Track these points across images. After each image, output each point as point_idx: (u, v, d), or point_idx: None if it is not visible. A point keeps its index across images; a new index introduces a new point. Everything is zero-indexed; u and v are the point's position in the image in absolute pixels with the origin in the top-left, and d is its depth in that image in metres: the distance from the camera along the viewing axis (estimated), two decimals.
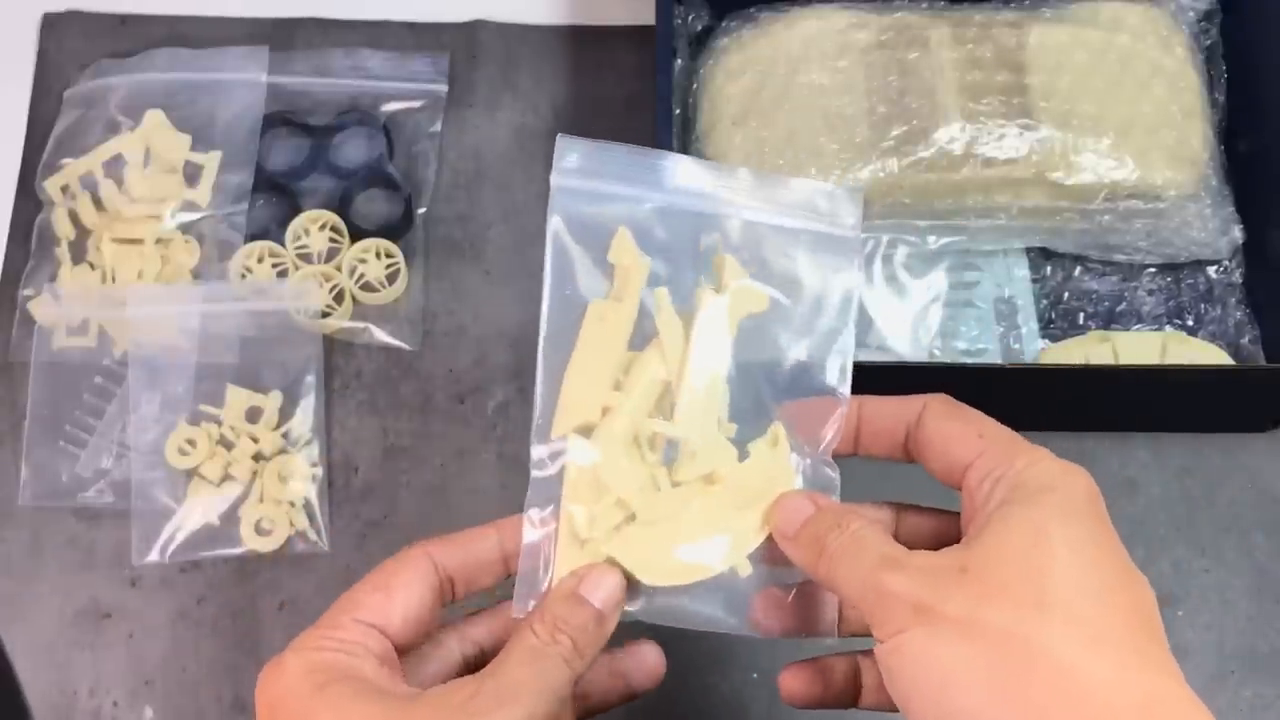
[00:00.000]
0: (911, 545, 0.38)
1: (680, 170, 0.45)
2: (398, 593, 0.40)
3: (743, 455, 0.45)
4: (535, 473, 0.43)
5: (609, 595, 0.40)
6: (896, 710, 0.39)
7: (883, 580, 0.36)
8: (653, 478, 0.44)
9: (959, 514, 0.40)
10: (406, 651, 0.41)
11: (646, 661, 0.44)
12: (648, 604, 0.43)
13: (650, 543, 0.43)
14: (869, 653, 0.41)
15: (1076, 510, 0.37)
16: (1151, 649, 0.35)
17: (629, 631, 0.43)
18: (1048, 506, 0.36)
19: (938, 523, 0.43)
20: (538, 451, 0.43)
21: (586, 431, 0.44)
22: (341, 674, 0.37)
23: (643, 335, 0.45)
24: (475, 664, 0.43)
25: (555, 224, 0.43)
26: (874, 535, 0.38)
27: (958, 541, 0.38)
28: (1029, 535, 0.36)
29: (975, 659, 0.34)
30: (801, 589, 0.43)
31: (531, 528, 0.42)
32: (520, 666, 0.38)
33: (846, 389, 0.45)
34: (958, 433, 0.40)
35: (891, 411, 0.42)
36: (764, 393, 0.46)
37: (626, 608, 0.42)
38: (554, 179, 0.43)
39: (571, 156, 0.44)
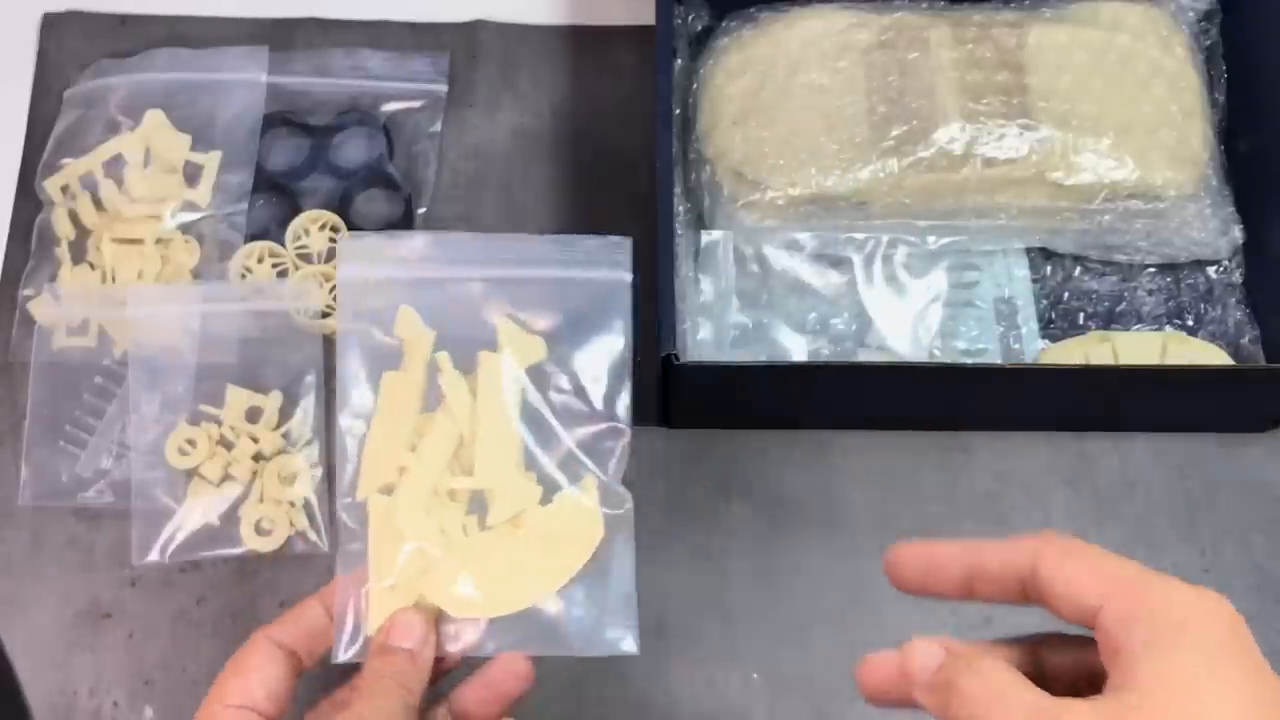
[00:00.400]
0: (1053, 676, 0.39)
1: (448, 243, 0.53)
2: (253, 674, 0.47)
3: (549, 497, 0.51)
4: (344, 543, 0.50)
5: (417, 636, 0.48)
6: None
7: None
8: (461, 526, 0.50)
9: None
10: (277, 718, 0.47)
11: (514, 669, 0.49)
12: (482, 639, 0.50)
13: (459, 582, 0.49)
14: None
15: (1221, 645, 0.36)
16: None
17: None
18: (1191, 647, 0.35)
19: (1078, 653, 0.41)
20: (345, 516, 0.50)
21: (389, 491, 0.51)
22: None
23: (437, 398, 0.52)
24: None
25: (343, 311, 0.51)
26: (1013, 680, 0.37)
27: (1099, 670, 0.38)
28: (1178, 684, 0.35)
29: None
30: None
31: (345, 587, 0.50)
32: (364, 700, 0.46)
33: (627, 416, 0.52)
34: (1081, 576, 0.39)
35: (1001, 559, 0.40)
36: (558, 431, 0.51)
37: (452, 648, 0.49)
38: (340, 271, 0.50)
39: (354, 248, 0.52)
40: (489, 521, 0.50)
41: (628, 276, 0.54)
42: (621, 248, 0.54)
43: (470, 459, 0.51)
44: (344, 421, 0.51)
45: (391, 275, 0.52)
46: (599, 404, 0.52)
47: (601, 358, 0.53)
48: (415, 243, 0.53)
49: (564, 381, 0.52)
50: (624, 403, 0.52)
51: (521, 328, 0.53)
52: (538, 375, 0.52)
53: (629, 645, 0.50)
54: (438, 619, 0.49)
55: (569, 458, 0.52)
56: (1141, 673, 0.35)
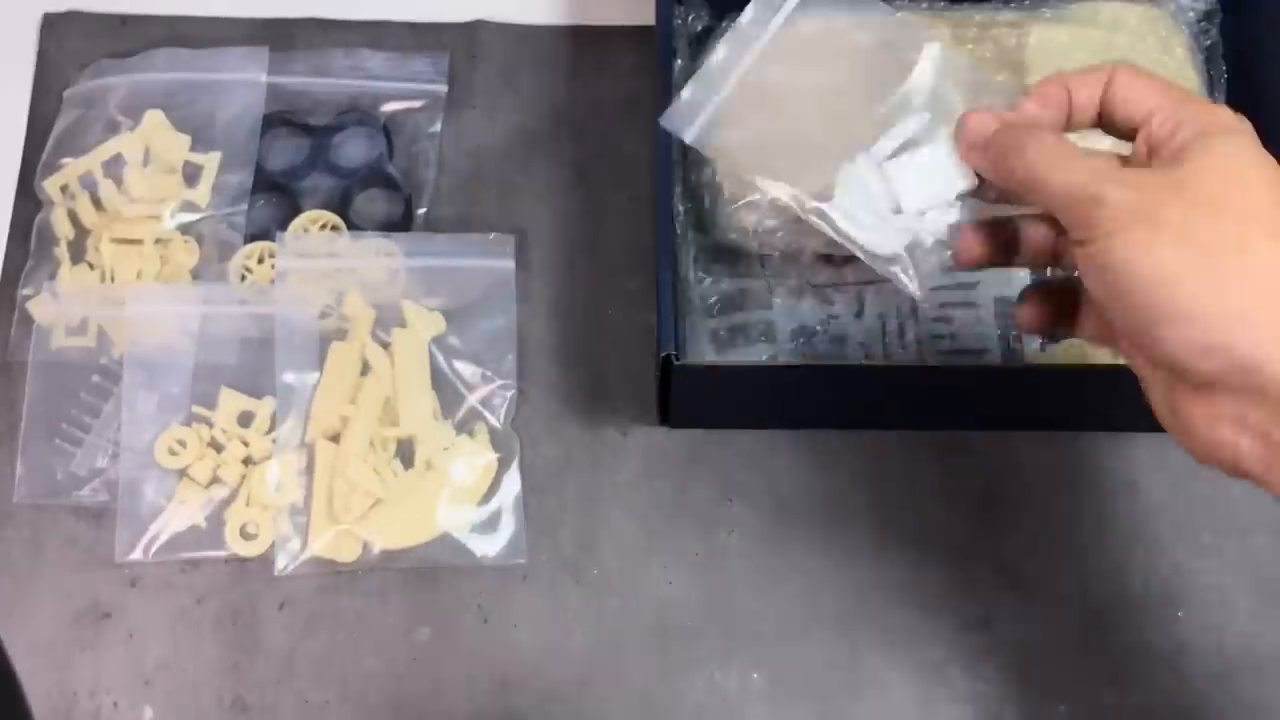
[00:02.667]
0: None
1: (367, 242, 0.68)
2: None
3: (452, 443, 0.65)
4: None
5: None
6: (1053, 264, 0.51)
7: (1101, 188, 0.42)
8: (391, 470, 0.64)
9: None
10: None
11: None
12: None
13: (390, 518, 0.63)
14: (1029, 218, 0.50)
15: (1257, 149, 0.43)
16: None
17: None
18: (1242, 143, 0.42)
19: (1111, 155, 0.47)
20: None
21: (332, 437, 0.65)
22: None
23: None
24: None
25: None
26: (1073, 146, 0.44)
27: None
28: (1234, 160, 0.42)
29: (1193, 254, 0.40)
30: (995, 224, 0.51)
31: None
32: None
33: (513, 375, 0.67)
34: (1147, 86, 0.46)
35: (1082, 79, 0.47)
36: (460, 389, 0.66)
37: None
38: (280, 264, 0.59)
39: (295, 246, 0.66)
40: (415, 464, 0.64)
41: (511, 264, 0.69)
42: (507, 243, 0.69)
43: (395, 414, 0.65)
44: (289, 378, 0.65)
45: (324, 266, 0.67)
46: (491, 366, 0.67)
47: (492, 329, 0.68)
48: (342, 242, 0.68)
49: (462, 349, 0.67)
50: (510, 364, 0.67)
51: (424, 307, 0.67)
52: (442, 344, 0.67)
53: (518, 557, 0.63)
54: None
55: (470, 411, 0.66)
56: (1198, 153, 0.42)
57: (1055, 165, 0.44)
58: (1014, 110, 0.48)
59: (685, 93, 0.55)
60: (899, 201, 0.52)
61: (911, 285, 0.51)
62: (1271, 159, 0.42)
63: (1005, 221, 0.50)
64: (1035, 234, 0.50)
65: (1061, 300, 0.51)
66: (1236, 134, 0.43)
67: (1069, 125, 0.48)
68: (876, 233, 0.52)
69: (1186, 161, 0.42)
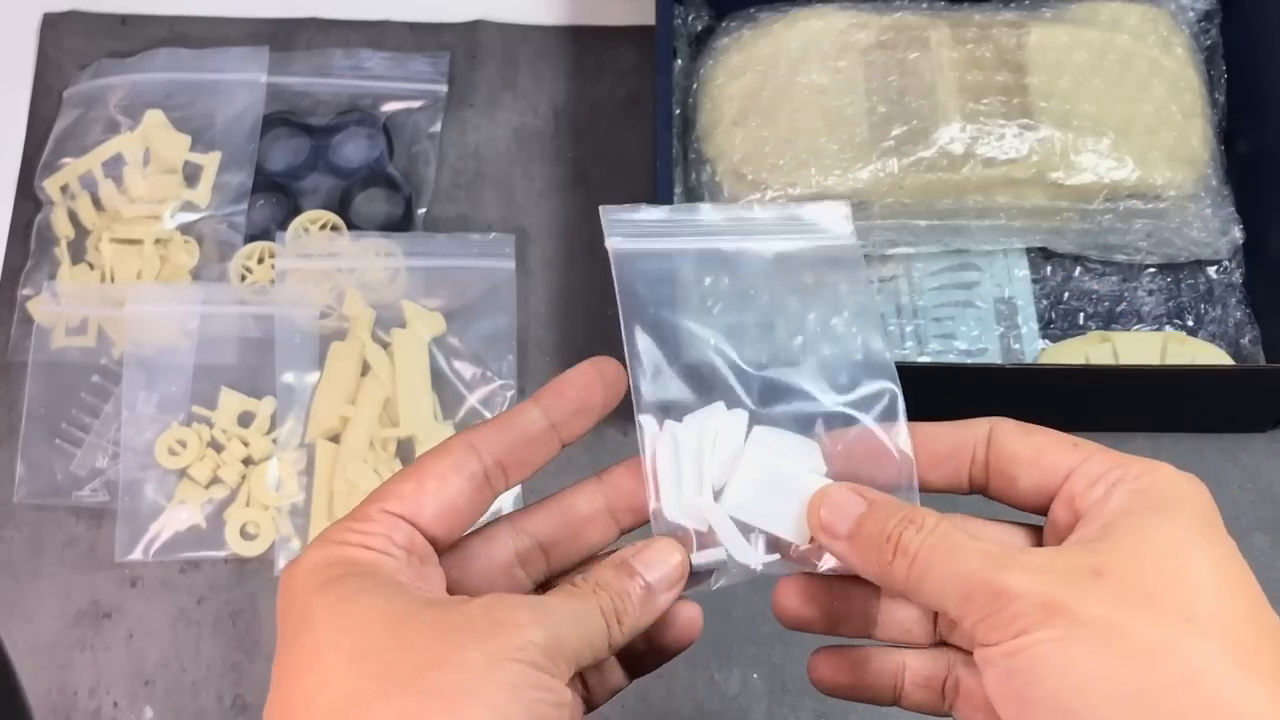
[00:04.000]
0: None
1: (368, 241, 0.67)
2: (429, 481, 0.36)
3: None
4: None
5: (664, 573, 0.37)
6: (943, 715, 0.38)
7: (998, 579, 0.33)
8: (391, 470, 0.63)
9: (1036, 527, 0.38)
10: (446, 546, 0.37)
11: (682, 617, 0.40)
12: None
13: None
14: (916, 648, 0.39)
15: (1209, 526, 0.34)
16: None
17: None
18: (1183, 519, 0.34)
19: (1013, 536, 0.39)
20: None
21: (332, 437, 0.64)
22: (355, 569, 0.34)
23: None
24: (528, 559, 0.39)
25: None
26: (962, 533, 0.35)
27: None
28: (1169, 546, 0.33)
29: (1121, 671, 0.31)
30: (835, 583, 0.39)
31: None
32: (555, 598, 0.35)
33: (513, 374, 0.66)
34: (1048, 444, 0.37)
35: (951, 437, 0.39)
36: (459, 388, 0.66)
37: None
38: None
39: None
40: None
41: (511, 265, 0.68)
42: (507, 243, 0.69)
43: (395, 414, 0.65)
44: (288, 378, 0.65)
45: (324, 266, 0.67)
46: (491, 366, 0.67)
47: (492, 329, 0.67)
48: (342, 242, 0.68)
49: (462, 349, 0.67)
50: (510, 364, 0.67)
51: (424, 307, 0.67)
52: (442, 344, 0.67)
53: None
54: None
55: (470, 411, 0.66)
56: (1125, 532, 0.34)
57: (938, 553, 0.35)
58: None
59: (642, 213, 0.42)
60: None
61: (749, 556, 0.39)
62: (1223, 539, 0.34)
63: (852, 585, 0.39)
64: (901, 612, 0.40)
65: (880, 668, 0.40)
66: (1174, 508, 0.34)
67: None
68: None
69: (1112, 539, 0.34)
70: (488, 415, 0.66)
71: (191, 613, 0.63)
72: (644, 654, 0.40)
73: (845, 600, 0.39)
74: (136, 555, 0.63)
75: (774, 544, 0.39)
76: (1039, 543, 0.38)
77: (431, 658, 0.32)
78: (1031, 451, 0.37)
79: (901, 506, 0.37)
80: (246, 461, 0.65)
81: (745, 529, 0.39)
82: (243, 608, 0.63)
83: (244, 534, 0.64)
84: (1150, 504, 0.34)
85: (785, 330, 0.43)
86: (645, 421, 0.39)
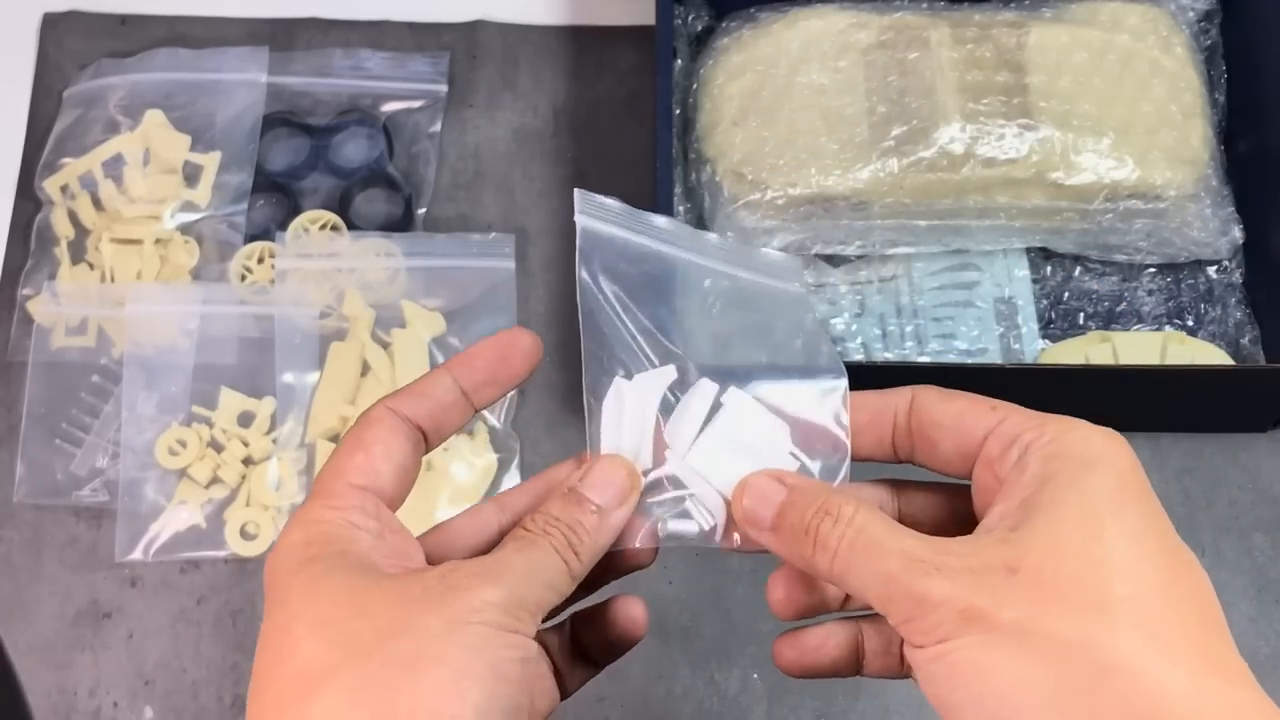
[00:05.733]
0: (917, 528, 0.35)
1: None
2: (375, 448, 0.38)
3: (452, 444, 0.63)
4: None
5: (613, 491, 0.38)
6: (902, 677, 0.38)
7: (918, 586, 0.33)
8: None
9: (967, 488, 0.38)
10: (396, 507, 0.39)
11: (623, 615, 0.41)
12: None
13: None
14: (871, 618, 0.39)
15: (1126, 489, 0.34)
16: (1221, 650, 0.32)
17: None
18: (1097, 488, 0.33)
19: (944, 499, 0.39)
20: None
21: (332, 437, 0.64)
22: (331, 548, 0.35)
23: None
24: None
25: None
26: (881, 526, 0.35)
27: (970, 519, 0.36)
28: (1083, 526, 0.33)
29: (1038, 672, 0.31)
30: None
31: None
32: (510, 553, 0.36)
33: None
34: (967, 408, 0.37)
35: (874, 404, 0.39)
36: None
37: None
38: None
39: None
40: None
41: (511, 265, 0.69)
42: (507, 243, 0.69)
43: None
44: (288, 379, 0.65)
45: (324, 266, 0.67)
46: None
47: (492, 329, 0.67)
48: (342, 242, 0.68)
49: (462, 349, 0.62)
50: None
51: (424, 307, 0.67)
52: (442, 344, 0.67)
53: None
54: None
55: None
56: (1041, 515, 0.33)
57: (856, 550, 0.34)
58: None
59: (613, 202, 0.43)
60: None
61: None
62: (1139, 501, 0.33)
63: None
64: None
65: (838, 642, 0.40)
66: (1088, 475, 0.33)
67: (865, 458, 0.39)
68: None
69: (1028, 523, 0.33)
70: (488, 415, 0.66)
71: (191, 613, 0.63)
72: (598, 647, 0.41)
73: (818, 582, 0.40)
74: (136, 555, 0.63)
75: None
76: (968, 505, 0.38)
77: (391, 625, 0.33)
78: (951, 416, 0.37)
79: (819, 494, 0.36)
80: (246, 461, 0.65)
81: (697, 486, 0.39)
82: (243, 608, 0.63)
83: (244, 534, 0.64)
84: (1064, 470, 0.34)
85: (741, 343, 0.43)
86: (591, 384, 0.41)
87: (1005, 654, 0.32)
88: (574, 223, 0.72)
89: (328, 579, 0.34)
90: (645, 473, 0.39)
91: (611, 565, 0.39)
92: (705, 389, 0.40)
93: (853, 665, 0.40)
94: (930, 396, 0.38)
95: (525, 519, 0.37)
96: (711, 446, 0.39)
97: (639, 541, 0.39)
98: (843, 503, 0.35)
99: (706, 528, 0.39)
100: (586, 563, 0.37)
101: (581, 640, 0.41)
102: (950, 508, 0.39)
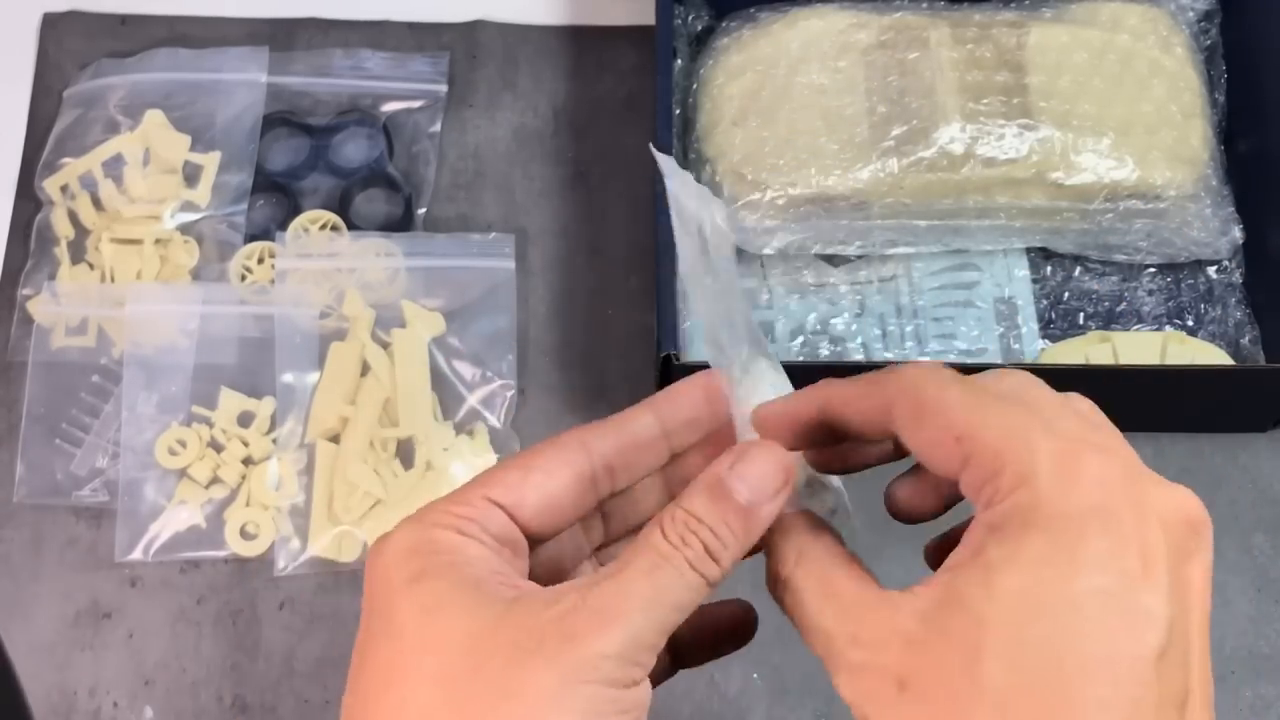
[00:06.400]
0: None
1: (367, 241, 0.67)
2: (535, 473, 0.35)
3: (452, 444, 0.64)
4: None
5: (761, 485, 0.34)
6: None
7: (832, 674, 0.32)
8: (391, 470, 0.64)
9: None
10: (544, 541, 0.36)
11: (742, 616, 0.40)
12: None
13: (390, 519, 0.54)
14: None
15: (1039, 588, 0.29)
16: None
17: None
18: (1001, 593, 0.29)
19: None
20: None
21: (332, 437, 0.64)
22: (442, 561, 0.33)
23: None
24: (600, 479, 0.37)
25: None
26: (811, 596, 0.33)
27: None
28: (967, 645, 0.29)
29: None
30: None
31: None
32: (636, 577, 0.33)
33: (513, 374, 0.66)
34: (932, 442, 0.32)
35: (858, 413, 0.35)
36: (459, 389, 0.66)
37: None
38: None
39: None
40: (415, 465, 0.64)
41: (511, 265, 0.68)
42: (507, 243, 0.69)
43: (395, 414, 0.65)
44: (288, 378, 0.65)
45: (324, 266, 0.67)
46: (491, 366, 0.67)
47: (492, 329, 0.67)
48: (342, 242, 0.68)
49: (462, 349, 0.67)
50: (510, 364, 0.67)
51: (424, 307, 0.67)
52: (442, 344, 0.67)
53: None
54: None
55: (470, 411, 0.66)
56: (949, 602, 0.30)
57: (800, 610, 0.33)
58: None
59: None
60: None
61: None
62: (1057, 600, 0.28)
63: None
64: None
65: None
66: (1021, 548, 0.29)
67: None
68: None
69: (932, 621, 0.30)
70: (488, 415, 0.66)
71: (191, 613, 0.63)
72: (697, 647, 0.39)
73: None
74: (136, 555, 0.63)
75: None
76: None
77: (505, 685, 0.32)
78: (924, 453, 0.33)
79: (769, 518, 0.34)
80: (246, 461, 0.65)
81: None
82: (243, 608, 0.63)
83: (244, 534, 0.64)
84: (988, 552, 0.30)
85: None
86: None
87: None
88: (574, 223, 0.72)
89: (443, 612, 0.33)
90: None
91: (712, 644, 0.39)
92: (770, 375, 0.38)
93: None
94: (903, 415, 0.33)
95: (663, 521, 0.34)
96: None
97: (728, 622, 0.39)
98: (784, 557, 0.34)
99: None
100: (726, 570, 0.34)
101: (676, 638, 0.36)
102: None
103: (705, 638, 0.39)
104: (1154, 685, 0.28)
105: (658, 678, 0.36)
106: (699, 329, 0.43)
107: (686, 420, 0.38)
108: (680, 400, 0.38)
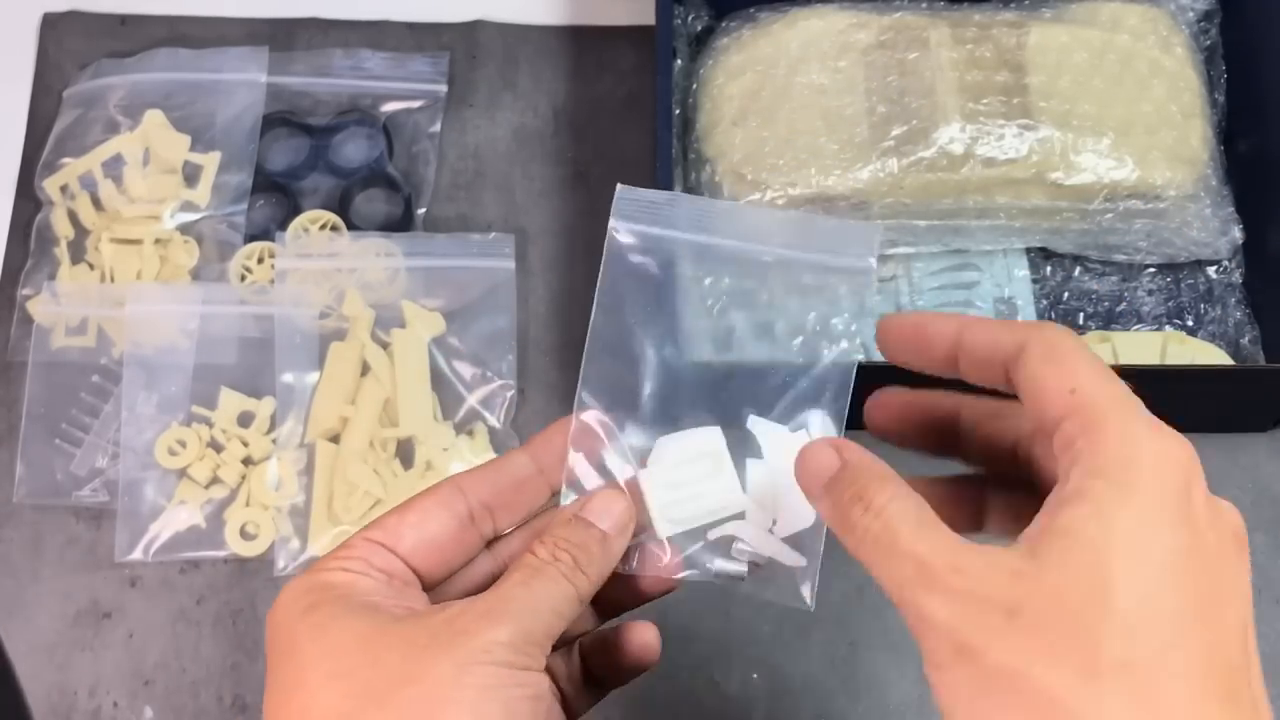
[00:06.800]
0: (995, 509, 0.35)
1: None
2: (411, 514, 0.39)
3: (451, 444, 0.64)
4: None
5: (615, 519, 0.39)
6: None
7: (922, 603, 0.32)
8: (391, 470, 0.64)
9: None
10: (434, 583, 0.39)
11: (636, 641, 0.41)
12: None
13: None
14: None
15: (1157, 524, 0.31)
16: (1219, 716, 0.30)
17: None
18: (1121, 525, 0.31)
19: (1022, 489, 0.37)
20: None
21: (332, 437, 0.64)
22: (334, 594, 0.36)
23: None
24: (480, 518, 0.40)
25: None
26: (909, 522, 0.33)
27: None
28: (1093, 571, 0.31)
29: None
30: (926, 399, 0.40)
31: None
32: (515, 586, 0.36)
33: (513, 374, 0.66)
34: (1050, 384, 0.34)
35: (989, 341, 0.36)
36: (459, 389, 0.66)
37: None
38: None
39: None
40: (415, 464, 0.64)
41: (511, 265, 0.68)
42: (507, 243, 0.69)
43: (395, 414, 0.65)
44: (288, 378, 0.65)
45: (324, 266, 0.67)
46: (491, 366, 0.67)
47: (492, 329, 0.67)
48: (342, 242, 0.68)
49: (462, 349, 0.67)
50: (510, 364, 0.67)
51: (424, 308, 0.67)
52: (442, 344, 0.67)
53: None
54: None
55: (470, 411, 0.66)
56: (1058, 541, 0.31)
57: (878, 546, 0.34)
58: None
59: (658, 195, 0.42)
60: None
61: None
62: (1167, 534, 0.31)
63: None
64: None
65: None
66: (1120, 500, 0.31)
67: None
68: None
69: (1040, 557, 0.31)
70: (488, 415, 0.66)
71: (191, 613, 0.63)
72: (608, 671, 0.41)
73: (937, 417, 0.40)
74: (136, 555, 0.63)
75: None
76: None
77: (405, 673, 0.34)
78: (1033, 392, 0.35)
79: (861, 476, 0.36)
80: (246, 461, 0.65)
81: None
82: (243, 608, 0.63)
83: (244, 534, 0.64)
84: (1096, 494, 0.31)
85: (785, 330, 0.43)
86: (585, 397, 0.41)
87: (993, 700, 0.31)
88: (574, 223, 0.72)
89: (334, 625, 0.35)
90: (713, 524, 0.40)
91: (634, 591, 0.40)
92: (711, 435, 0.41)
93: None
94: (1035, 353, 0.35)
95: (534, 545, 0.38)
96: (762, 479, 0.40)
97: (665, 571, 0.40)
98: (878, 491, 0.35)
99: (743, 569, 0.40)
100: (594, 583, 0.38)
101: (590, 665, 0.41)
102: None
103: (613, 664, 0.41)
104: (1251, 609, 0.33)
105: (582, 708, 0.41)
106: (697, 331, 0.44)
107: (560, 458, 0.41)
108: (554, 439, 0.41)
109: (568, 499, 0.40)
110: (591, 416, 0.41)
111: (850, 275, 0.43)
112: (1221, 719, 0.30)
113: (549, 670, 0.37)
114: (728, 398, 0.41)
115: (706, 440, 0.41)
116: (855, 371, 0.41)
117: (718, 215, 0.43)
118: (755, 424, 0.41)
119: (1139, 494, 0.31)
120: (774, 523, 0.40)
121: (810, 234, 0.43)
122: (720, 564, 0.40)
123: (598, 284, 0.41)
